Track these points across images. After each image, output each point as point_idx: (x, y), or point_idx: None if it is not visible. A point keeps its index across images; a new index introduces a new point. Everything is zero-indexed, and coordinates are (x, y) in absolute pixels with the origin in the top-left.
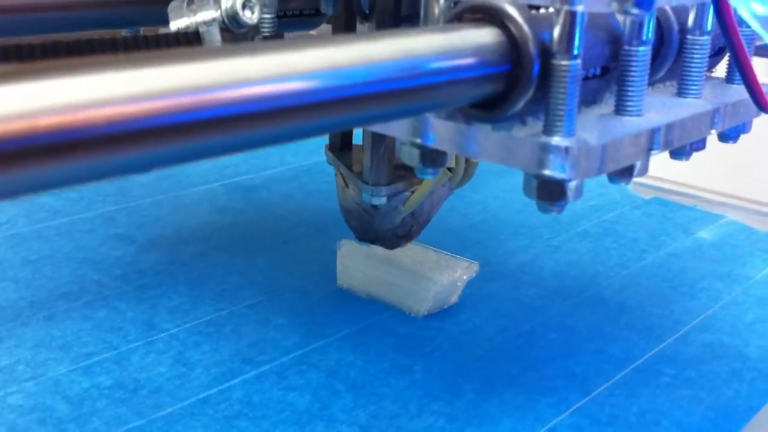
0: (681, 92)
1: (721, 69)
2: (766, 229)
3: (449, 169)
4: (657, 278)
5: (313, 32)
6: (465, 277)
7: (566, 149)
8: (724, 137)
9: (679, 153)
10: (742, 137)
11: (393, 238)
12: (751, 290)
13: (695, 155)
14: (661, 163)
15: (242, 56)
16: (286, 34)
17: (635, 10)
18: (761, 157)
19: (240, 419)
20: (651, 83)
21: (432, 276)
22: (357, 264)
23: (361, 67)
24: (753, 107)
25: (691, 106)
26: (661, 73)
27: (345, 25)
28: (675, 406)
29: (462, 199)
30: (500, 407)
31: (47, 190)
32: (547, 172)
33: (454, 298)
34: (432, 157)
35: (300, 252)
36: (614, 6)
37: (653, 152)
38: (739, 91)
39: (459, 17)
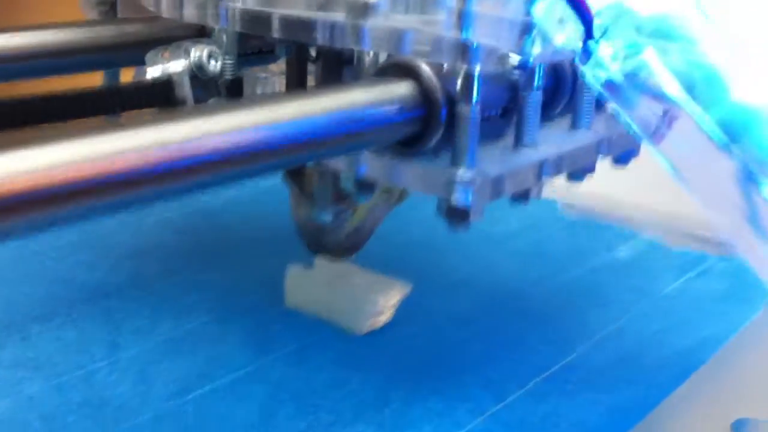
0: (574, 125)
1: None
2: (678, 246)
3: (388, 190)
4: (576, 292)
5: (273, 67)
6: (399, 297)
7: (469, 179)
8: (616, 161)
9: (574, 176)
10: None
11: (340, 250)
12: (660, 303)
13: (620, 173)
14: (586, 184)
15: (203, 117)
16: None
17: (516, 71)
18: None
19: (194, 431)
20: (550, 118)
21: (369, 298)
22: (303, 287)
23: (305, 120)
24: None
25: (580, 137)
26: (559, 109)
27: (298, 65)
28: (577, 407)
29: (403, 217)
30: (424, 414)
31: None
32: (453, 198)
33: (389, 317)
34: (365, 185)
35: (254, 272)
36: (501, 67)
37: (544, 178)
38: None
39: (384, 71)
